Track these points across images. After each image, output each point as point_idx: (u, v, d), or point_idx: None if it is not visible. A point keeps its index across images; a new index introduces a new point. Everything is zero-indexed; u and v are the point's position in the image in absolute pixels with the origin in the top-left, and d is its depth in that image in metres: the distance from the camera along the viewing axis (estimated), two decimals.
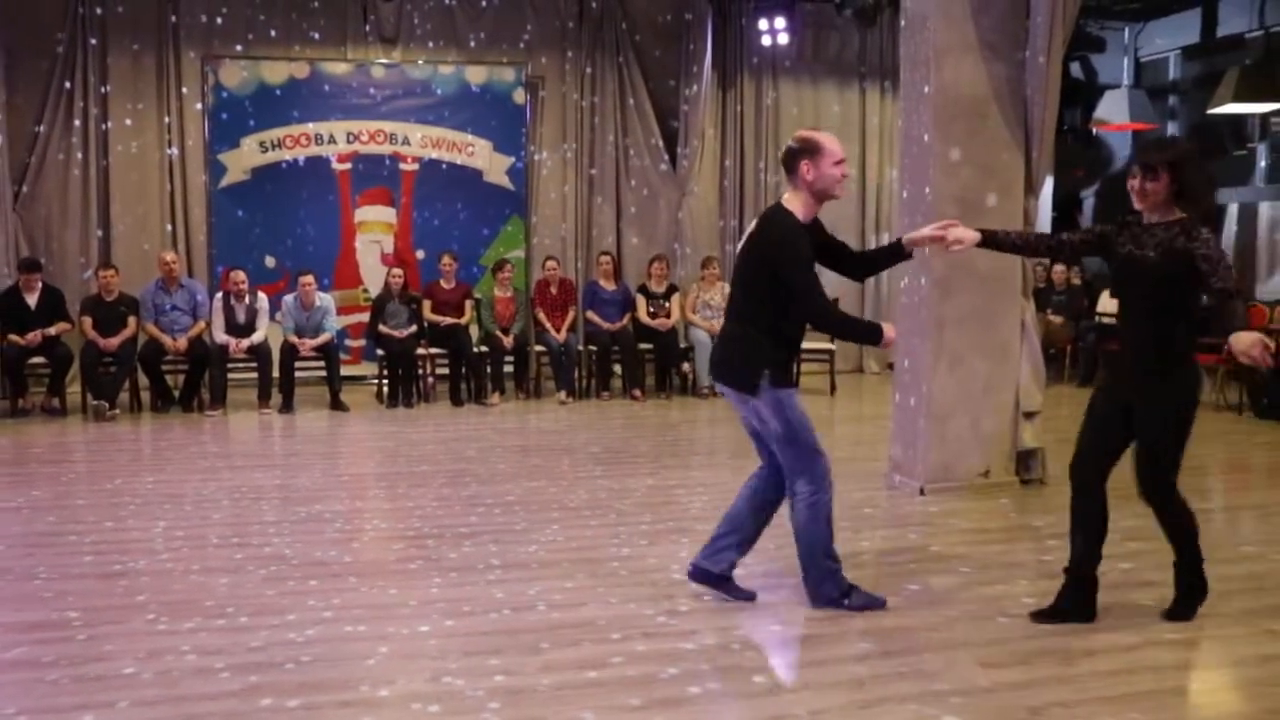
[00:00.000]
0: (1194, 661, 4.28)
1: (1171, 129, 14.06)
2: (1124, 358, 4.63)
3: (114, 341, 10.03)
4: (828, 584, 4.67)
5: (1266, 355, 4.04)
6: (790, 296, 4.49)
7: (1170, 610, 4.63)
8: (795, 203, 4.58)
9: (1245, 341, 4.00)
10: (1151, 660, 4.19)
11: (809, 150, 4.55)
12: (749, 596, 4.81)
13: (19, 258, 10.72)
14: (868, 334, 4.81)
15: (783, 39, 12.80)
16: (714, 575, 4.80)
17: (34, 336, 9.88)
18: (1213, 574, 5.23)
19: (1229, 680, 4.16)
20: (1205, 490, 7.54)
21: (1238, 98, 11.59)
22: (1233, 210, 13.46)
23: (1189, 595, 4.64)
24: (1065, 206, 14.73)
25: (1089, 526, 4.61)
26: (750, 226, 4.72)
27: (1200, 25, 13.28)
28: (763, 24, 12.75)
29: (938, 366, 6.89)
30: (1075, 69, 14.19)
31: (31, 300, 10.10)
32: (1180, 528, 4.59)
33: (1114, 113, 13.55)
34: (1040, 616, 4.58)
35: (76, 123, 11.44)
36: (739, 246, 4.78)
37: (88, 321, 10.10)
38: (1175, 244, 4.27)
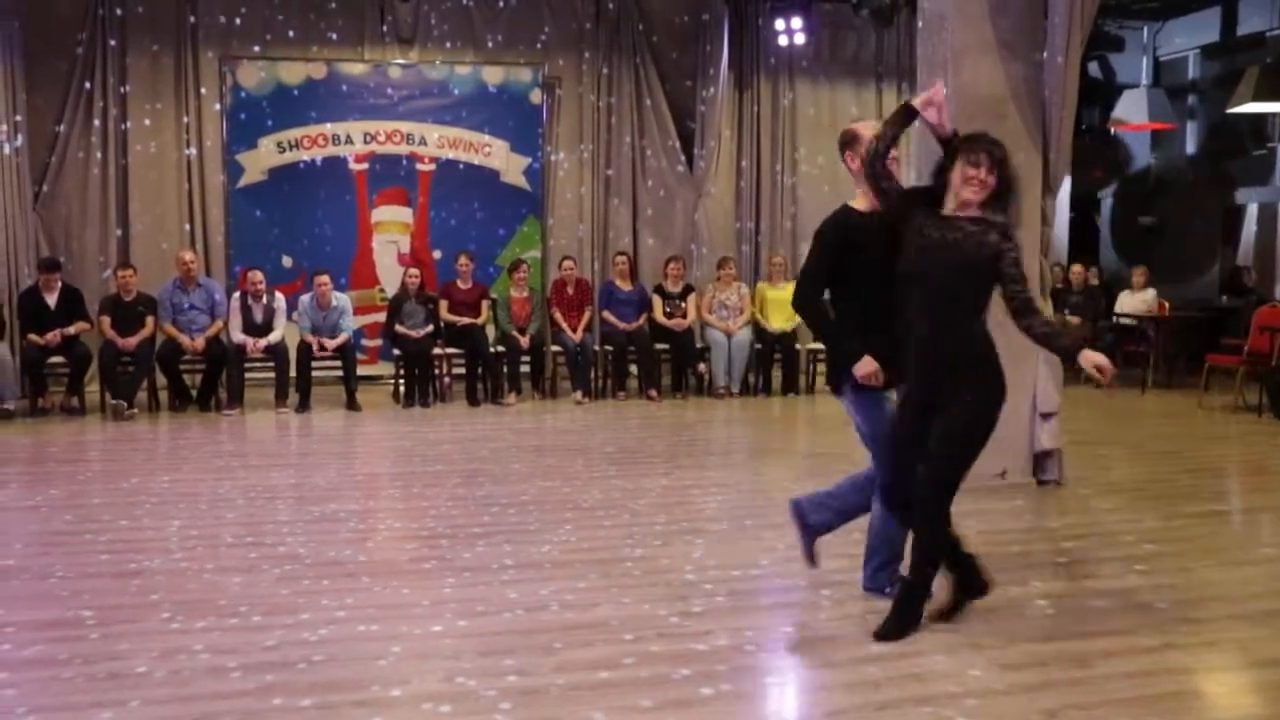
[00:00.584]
0: (1212, 664, 4.23)
1: (1191, 128, 13.99)
2: (923, 357, 4.30)
3: (132, 341, 10.06)
4: (880, 575, 4.77)
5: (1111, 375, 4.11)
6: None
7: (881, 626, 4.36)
8: (859, 199, 4.61)
9: (1094, 359, 4.06)
10: (1169, 663, 4.15)
11: (848, 142, 4.63)
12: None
13: (39, 257, 10.78)
14: (841, 351, 4.57)
15: (800, 39, 12.76)
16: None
17: (53, 336, 9.91)
18: (1232, 576, 5.21)
19: (1248, 683, 4.11)
20: (1224, 492, 7.48)
21: (1258, 97, 11.52)
22: (1252, 210, 13.38)
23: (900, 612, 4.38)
24: (1083, 206, 14.68)
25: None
26: None
27: (1220, 24, 13.22)
28: (779, 24, 12.71)
29: None
30: (1093, 68, 14.14)
31: (51, 300, 10.14)
32: (926, 551, 4.36)
33: (1133, 112, 13.50)
34: (942, 615, 4.50)
35: (96, 123, 11.48)
36: None
37: (106, 321, 10.13)
38: (987, 238, 4.18)
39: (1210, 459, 8.48)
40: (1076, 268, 12.77)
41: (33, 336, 9.95)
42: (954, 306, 4.23)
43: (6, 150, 10.88)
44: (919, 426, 4.30)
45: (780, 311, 11.30)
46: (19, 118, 10.99)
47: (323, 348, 10.43)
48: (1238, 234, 13.59)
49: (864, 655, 4.19)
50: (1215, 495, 7.30)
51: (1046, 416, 7.04)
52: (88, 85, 11.42)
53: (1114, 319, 12.45)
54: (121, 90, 11.56)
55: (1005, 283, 4.17)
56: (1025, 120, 6.91)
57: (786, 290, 10.74)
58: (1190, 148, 14.09)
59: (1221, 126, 13.33)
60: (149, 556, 5.50)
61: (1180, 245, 13.91)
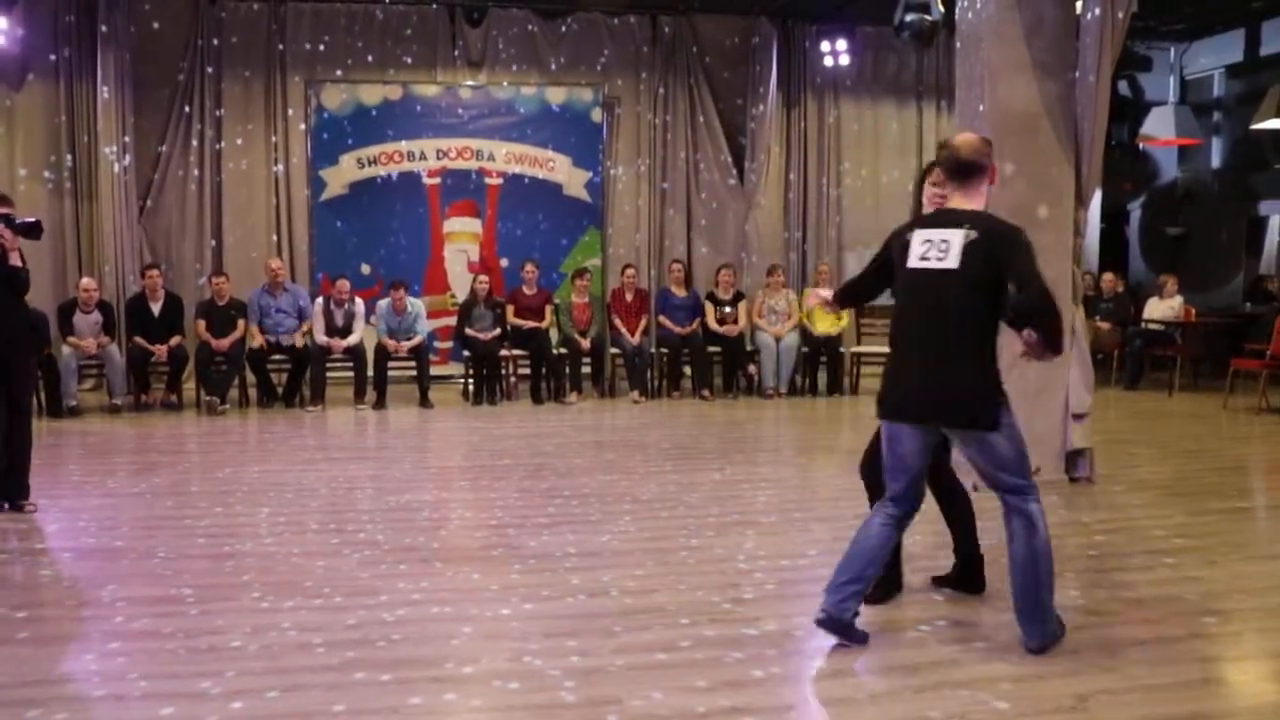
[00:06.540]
0: (1238, 653, 4.16)
1: (1216, 144, 13.76)
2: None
3: (225, 342, 10.23)
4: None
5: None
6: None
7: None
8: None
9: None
10: (1196, 652, 4.09)
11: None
12: (863, 639, 4.11)
13: (143, 264, 11.03)
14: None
15: (844, 60, 12.74)
16: (844, 623, 4.04)
17: (160, 351, 10.14)
18: (1257, 570, 5.13)
19: (1272, 671, 4.03)
20: (1249, 490, 7.35)
21: None
22: (1275, 221, 13.15)
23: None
24: (1113, 217, 14.49)
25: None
26: (954, 234, 3.91)
27: (1244, 45, 13.00)
28: (825, 46, 12.70)
29: None
30: (1123, 87, 13.94)
31: (155, 308, 10.34)
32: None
33: (1161, 128, 13.32)
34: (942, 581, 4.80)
35: (194, 143, 11.72)
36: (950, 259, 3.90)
37: (202, 324, 10.31)
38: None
39: (1235, 458, 8.33)
40: (1107, 276, 12.62)
41: (141, 341, 10.15)
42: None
43: (116, 169, 11.15)
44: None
45: (826, 317, 11.24)
46: (127, 139, 11.28)
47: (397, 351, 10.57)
48: (1261, 244, 13.36)
49: (905, 640, 4.16)
50: (1241, 493, 7.17)
51: (1078, 417, 6.96)
52: (187, 109, 11.67)
53: (1142, 324, 12.27)
54: (217, 113, 11.78)
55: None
56: (1058, 136, 6.83)
57: None
58: (1215, 162, 13.85)
59: (1245, 142, 13.09)
60: (241, 540, 5.59)
61: (1206, 255, 13.68)
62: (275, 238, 11.98)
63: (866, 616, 4.21)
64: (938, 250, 3.91)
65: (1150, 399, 11.25)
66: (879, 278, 4.34)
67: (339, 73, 12.04)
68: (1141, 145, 13.99)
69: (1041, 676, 3.81)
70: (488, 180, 12.15)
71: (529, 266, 11.31)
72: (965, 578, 4.73)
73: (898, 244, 4.11)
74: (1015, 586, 4.02)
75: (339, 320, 10.62)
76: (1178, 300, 12.16)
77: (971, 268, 3.85)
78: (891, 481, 4.10)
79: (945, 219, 4.00)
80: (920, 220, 4.16)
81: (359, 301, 10.83)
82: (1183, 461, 8.00)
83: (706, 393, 11.12)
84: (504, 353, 11.03)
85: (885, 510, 4.10)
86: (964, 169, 4.02)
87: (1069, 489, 6.86)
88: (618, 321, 11.33)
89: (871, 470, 4.42)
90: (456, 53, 12.33)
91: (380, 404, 10.41)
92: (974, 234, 3.87)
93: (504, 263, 12.14)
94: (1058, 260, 6.85)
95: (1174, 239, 14.14)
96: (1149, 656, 4.01)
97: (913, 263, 3.99)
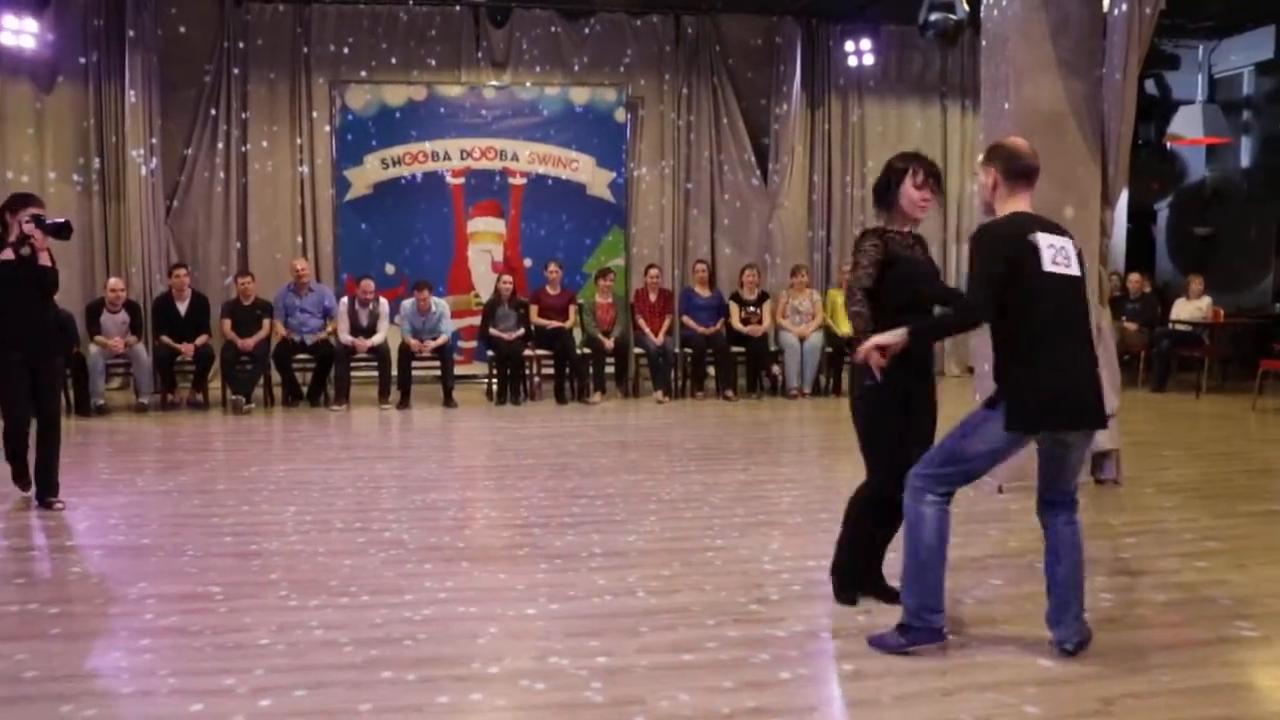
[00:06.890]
0: (1266, 658, 4.12)
1: (1245, 143, 13.65)
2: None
3: (250, 342, 10.30)
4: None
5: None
6: None
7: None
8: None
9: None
10: (1224, 656, 4.06)
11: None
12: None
13: (170, 264, 11.12)
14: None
15: (868, 60, 12.72)
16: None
17: (187, 349, 10.23)
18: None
19: None
20: (1277, 492, 7.28)
21: None
22: None
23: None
24: (1140, 217, 14.40)
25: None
26: (1068, 242, 3.98)
27: (1274, 42, 12.89)
28: (849, 46, 12.68)
29: None
30: (1150, 86, 13.85)
31: (182, 308, 10.42)
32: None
33: (1188, 127, 13.23)
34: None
35: (220, 145, 11.82)
36: (1068, 261, 3.94)
37: (227, 324, 10.39)
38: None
39: (1265, 460, 8.25)
40: (1134, 276, 12.53)
41: (168, 341, 10.24)
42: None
43: (143, 171, 11.26)
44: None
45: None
46: (154, 141, 11.39)
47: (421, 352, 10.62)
48: None
49: (932, 643, 4.14)
50: (1271, 495, 7.09)
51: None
52: (213, 111, 11.78)
53: (1170, 325, 12.18)
54: (243, 115, 11.88)
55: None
56: (1085, 136, 6.79)
57: None
58: (1244, 161, 13.74)
59: (1275, 140, 12.99)
60: (268, 539, 5.63)
61: (1234, 255, 13.57)
62: (300, 238, 12.05)
63: (881, 619, 4.20)
64: (1063, 257, 3.92)
65: (1178, 400, 11.17)
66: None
67: (363, 74, 12.10)
68: (1169, 144, 13.89)
69: (1067, 680, 3.79)
70: (511, 180, 12.18)
71: (553, 266, 11.33)
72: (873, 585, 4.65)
73: (1020, 245, 3.86)
74: (1060, 586, 4.02)
75: (363, 320, 10.67)
76: (1205, 301, 12.07)
77: (1085, 275, 4.02)
78: (964, 482, 4.14)
79: (1045, 225, 3.97)
80: (1029, 223, 3.93)
81: (383, 301, 10.87)
82: (1211, 463, 7.93)
83: (730, 393, 11.11)
84: (528, 353, 11.05)
85: (944, 505, 4.06)
86: (1028, 172, 4.02)
87: (1095, 491, 6.82)
88: (641, 321, 11.34)
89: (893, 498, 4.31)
90: (480, 53, 12.38)
91: (404, 403, 10.46)
92: (1077, 243, 4.04)
93: (528, 263, 12.18)
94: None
95: (1202, 239, 14.03)
96: (1176, 660, 3.98)
97: (1048, 267, 3.87)
